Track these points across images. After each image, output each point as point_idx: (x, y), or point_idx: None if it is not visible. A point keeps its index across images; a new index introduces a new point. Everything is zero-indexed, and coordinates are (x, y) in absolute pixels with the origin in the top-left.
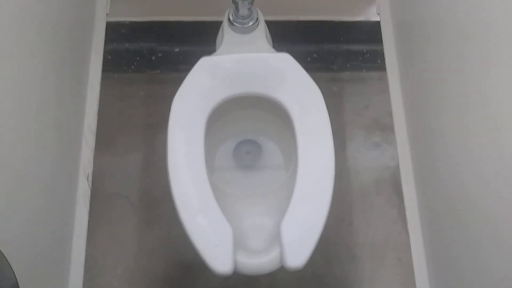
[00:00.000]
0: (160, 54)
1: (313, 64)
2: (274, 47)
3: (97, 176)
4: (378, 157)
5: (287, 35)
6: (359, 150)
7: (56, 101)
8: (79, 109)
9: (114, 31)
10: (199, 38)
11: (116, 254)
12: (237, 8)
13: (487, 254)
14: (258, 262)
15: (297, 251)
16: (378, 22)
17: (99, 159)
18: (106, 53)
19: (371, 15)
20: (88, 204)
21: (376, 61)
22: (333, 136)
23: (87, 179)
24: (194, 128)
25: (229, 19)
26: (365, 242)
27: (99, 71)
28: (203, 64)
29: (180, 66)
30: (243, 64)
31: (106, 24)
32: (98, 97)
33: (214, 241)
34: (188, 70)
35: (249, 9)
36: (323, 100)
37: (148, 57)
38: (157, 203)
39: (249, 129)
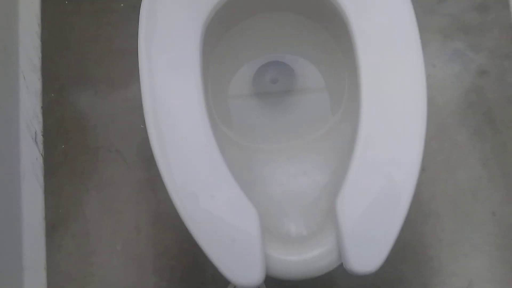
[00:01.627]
0: None
1: None
2: None
3: (75, 126)
4: (461, 71)
5: None
6: (434, 63)
7: None
8: (5, 32)
9: None
10: None
11: (112, 225)
12: None
13: None
14: (302, 259)
15: (367, 246)
16: None
17: (75, 104)
18: None
19: None
20: (41, 175)
21: None
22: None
23: (35, 140)
24: (184, 51)
25: None
26: (445, 193)
27: None
28: None
29: None
30: None
31: None
32: (39, 12)
33: (230, 234)
34: None
35: None
36: None
37: None
38: None
39: (273, 45)
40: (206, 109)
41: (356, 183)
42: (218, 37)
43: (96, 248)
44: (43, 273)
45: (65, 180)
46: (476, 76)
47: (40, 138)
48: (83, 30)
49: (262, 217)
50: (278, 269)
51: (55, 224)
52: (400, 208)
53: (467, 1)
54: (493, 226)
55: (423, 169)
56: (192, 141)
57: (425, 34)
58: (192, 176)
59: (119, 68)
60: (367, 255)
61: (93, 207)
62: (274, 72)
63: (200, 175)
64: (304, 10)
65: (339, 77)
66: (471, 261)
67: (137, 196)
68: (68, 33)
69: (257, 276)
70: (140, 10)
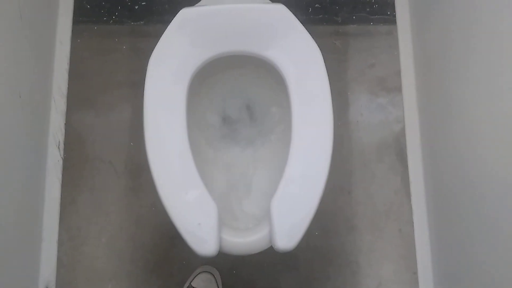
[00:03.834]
0: (143, 3)
1: (315, 15)
2: None
3: (77, 140)
4: (382, 121)
5: None
6: (362, 113)
7: (14, 61)
8: (45, 69)
9: None
10: None
11: (100, 222)
12: None
13: (499, 231)
14: (245, 241)
15: (288, 232)
16: None
17: (79, 122)
18: (84, 1)
19: None
20: (60, 175)
21: (385, 12)
22: (333, 98)
23: (58, 147)
24: (174, 93)
25: None
26: (365, 212)
27: (69, 23)
28: (183, 17)
29: (166, 17)
30: (230, 17)
31: None
32: (68, 54)
33: (197, 219)
34: None
35: None
36: (323, 62)
37: (131, 6)
38: (143, 169)
39: (239, 93)
40: (189, 136)
41: (284, 193)
42: (198, 85)
43: (85, 240)
44: (55, 245)
45: (64, 182)
46: (393, 124)
47: (62, 146)
48: (91, 64)
49: (222, 212)
50: (229, 248)
51: None
52: (310, 210)
53: (391, 67)
54: (399, 240)
55: (349, 193)
56: (176, 157)
57: (356, 91)
58: (174, 179)
59: (117, 97)
60: (287, 240)
61: (86, 206)
62: (238, 111)
63: (180, 179)
64: (260, 70)
65: (282, 112)
66: (382, 266)
67: (123, 200)
68: (79, 66)
69: (213, 249)
70: (148, 64)
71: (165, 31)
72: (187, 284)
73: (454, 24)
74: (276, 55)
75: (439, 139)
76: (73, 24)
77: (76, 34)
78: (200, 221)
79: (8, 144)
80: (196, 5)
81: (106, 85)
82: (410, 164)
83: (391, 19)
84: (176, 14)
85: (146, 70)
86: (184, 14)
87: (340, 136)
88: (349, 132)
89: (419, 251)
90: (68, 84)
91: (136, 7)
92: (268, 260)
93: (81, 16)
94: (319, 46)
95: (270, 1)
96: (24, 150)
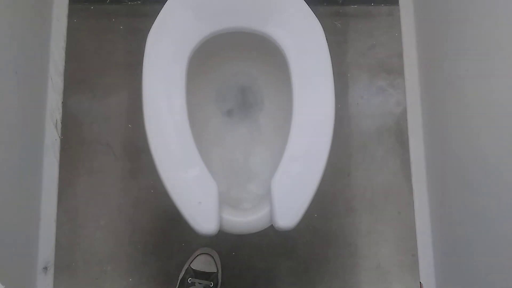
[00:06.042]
0: None
1: None
2: None
3: (74, 122)
4: (382, 103)
5: None
6: (362, 95)
7: (9, 38)
8: (42, 46)
9: None
10: None
11: (99, 205)
12: None
13: (500, 211)
14: (245, 220)
15: (289, 210)
16: None
17: (76, 103)
18: None
19: None
20: (58, 155)
21: None
22: (334, 79)
23: (56, 126)
24: (174, 71)
25: None
26: (364, 194)
27: (65, 2)
28: None
29: None
30: None
31: None
32: (65, 31)
33: (197, 198)
34: None
35: None
36: (325, 38)
37: None
38: (141, 151)
39: (239, 71)
40: (188, 115)
41: (285, 171)
42: (197, 63)
43: (83, 222)
44: (53, 225)
45: (62, 164)
46: (394, 107)
47: (59, 125)
48: (87, 45)
49: (223, 192)
50: (229, 227)
51: None
52: (311, 188)
53: (392, 49)
54: (398, 222)
55: (349, 175)
56: (176, 135)
57: (357, 72)
58: (174, 158)
59: (115, 78)
60: (288, 219)
61: (83, 189)
62: (239, 91)
63: (180, 157)
64: (260, 48)
65: (283, 91)
66: (380, 248)
67: (121, 182)
68: (75, 46)
69: (213, 228)
70: (146, 43)
71: (162, 8)
72: (186, 266)
73: (458, 3)
74: (276, 30)
75: (441, 120)
76: (69, 4)
77: (72, 13)
78: (200, 199)
79: (3, 120)
80: None
81: (103, 66)
82: (411, 145)
83: (393, 0)
84: None
85: (143, 51)
86: None
87: (340, 118)
88: (349, 114)
89: (419, 232)
90: (65, 64)
91: None
92: (267, 242)
93: None
94: None
95: None
96: (21, 127)
